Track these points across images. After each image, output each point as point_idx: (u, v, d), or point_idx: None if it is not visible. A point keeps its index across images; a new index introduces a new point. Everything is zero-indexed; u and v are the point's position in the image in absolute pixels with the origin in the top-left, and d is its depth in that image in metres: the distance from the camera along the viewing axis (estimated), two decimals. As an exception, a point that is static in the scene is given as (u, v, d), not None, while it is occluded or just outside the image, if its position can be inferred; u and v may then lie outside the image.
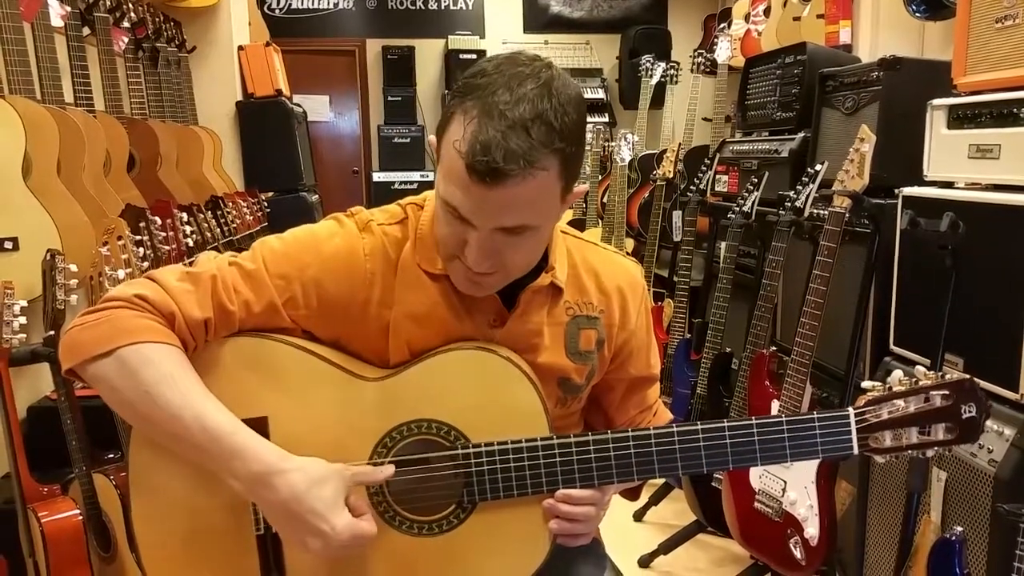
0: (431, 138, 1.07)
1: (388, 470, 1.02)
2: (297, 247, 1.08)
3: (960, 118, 1.74)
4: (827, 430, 1.02)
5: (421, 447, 1.04)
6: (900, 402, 1.03)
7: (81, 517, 1.85)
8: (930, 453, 1.06)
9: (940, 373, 1.05)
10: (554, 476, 1.02)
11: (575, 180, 1.01)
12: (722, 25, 4.88)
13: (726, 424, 1.02)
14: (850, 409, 1.03)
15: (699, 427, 1.02)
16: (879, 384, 1.05)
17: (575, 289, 1.15)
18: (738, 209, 2.47)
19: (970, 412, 1.02)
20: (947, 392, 1.02)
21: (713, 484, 2.29)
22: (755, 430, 1.02)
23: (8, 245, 2.13)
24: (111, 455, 2.00)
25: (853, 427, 1.02)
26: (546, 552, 1.04)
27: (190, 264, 1.08)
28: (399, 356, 1.08)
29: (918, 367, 1.06)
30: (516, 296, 1.10)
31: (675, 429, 1.02)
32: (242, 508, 1.04)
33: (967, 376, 1.03)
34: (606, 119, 6.35)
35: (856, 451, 1.03)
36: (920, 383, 1.04)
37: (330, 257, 1.07)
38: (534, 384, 1.05)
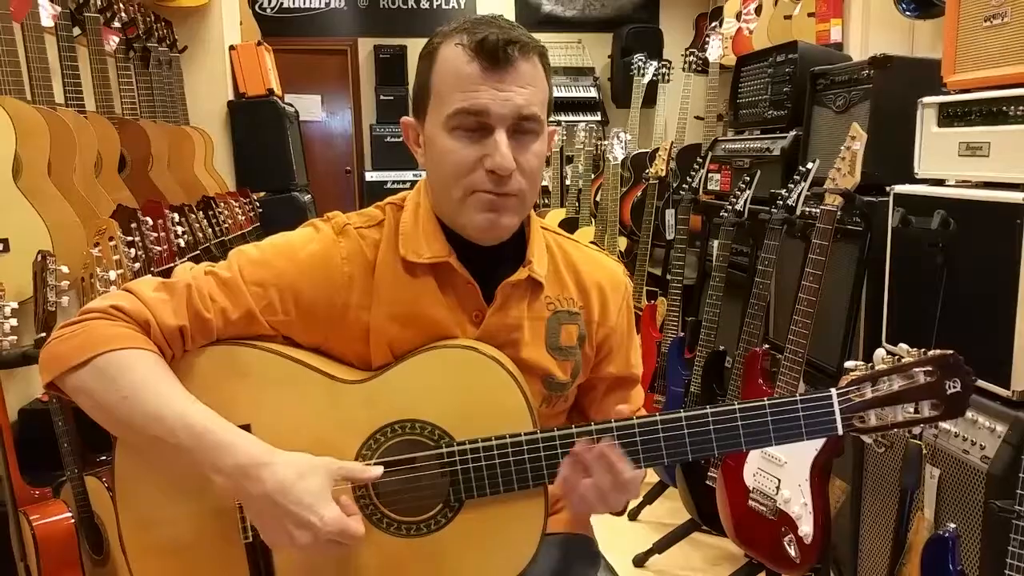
0: (406, 119, 1.11)
1: (376, 471, 1.01)
2: (273, 254, 1.08)
3: (950, 116, 1.75)
4: (810, 412, 1.01)
5: (406, 448, 1.03)
6: (883, 380, 1.01)
7: (73, 520, 1.84)
8: (916, 430, 1.05)
9: (923, 349, 1.03)
10: (539, 470, 1.02)
11: (551, 108, 1.11)
12: (714, 24, 4.89)
13: (709, 410, 1.01)
14: (832, 390, 1.02)
15: (682, 414, 1.01)
16: (862, 364, 1.04)
17: (555, 284, 1.15)
18: (730, 207, 2.47)
19: (955, 387, 1.00)
20: (930, 368, 1.00)
21: (707, 482, 2.29)
22: (738, 415, 1.01)
23: (-2, 247, 2.12)
24: (103, 457, 1.99)
25: (836, 408, 1.01)
26: (534, 549, 1.04)
27: (166, 275, 1.07)
28: (381, 359, 1.08)
29: (901, 344, 1.04)
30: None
31: (658, 417, 1.01)
32: (229, 516, 1.03)
33: (950, 351, 1.01)
34: (598, 118, 6.35)
35: (841, 431, 1.01)
36: (903, 360, 1.02)
37: (307, 262, 1.07)
38: (518, 382, 1.04)
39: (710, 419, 1.01)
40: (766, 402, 1.01)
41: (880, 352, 1.04)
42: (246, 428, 1.01)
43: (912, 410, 1.01)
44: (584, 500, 1.00)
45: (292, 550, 0.96)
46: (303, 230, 1.12)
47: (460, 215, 1.06)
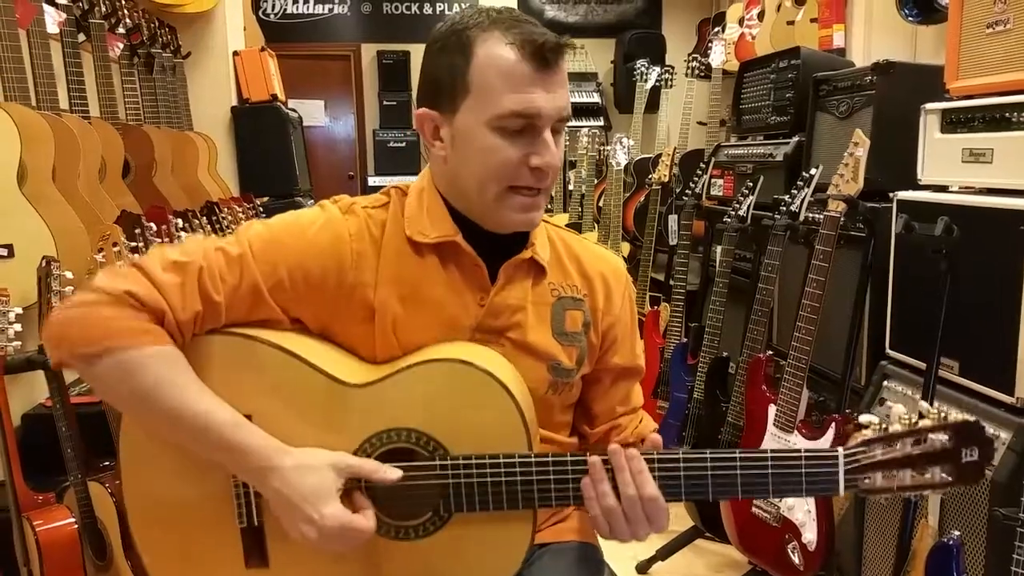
0: (425, 111, 1.09)
1: (395, 473, 1.01)
2: (282, 232, 1.08)
3: (953, 122, 1.75)
4: (813, 469, 0.98)
5: (399, 455, 1.04)
6: (896, 443, 0.96)
7: (76, 525, 1.84)
8: (926, 494, 1.00)
9: (943, 414, 0.98)
10: (530, 493, 1.02)
11: None
12: (716, 29, 4.89)
13: (708, 455, 1.00)
14: (840, 449, 0.99)
15: (680, 455, 1.00)
16: (876, 420, 0.99)
17: (558, 272, 1.17)
18: (733, 213, 2.47)
19: (971, 456, 0.95)
20: (948, 435, 0.95)
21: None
22: (738, 463, 0.99)
23: (3, 252, 2.13)
24: (106, 463, 1.99)
25: (841, 468, 0.98)
26: (518, 567, 1.05)
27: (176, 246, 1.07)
28: (384, 341, 1.09)
29: (922, 403, 0.99)
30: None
31: (656, 456, 1.01)
32: (225, 500, 1.05)
33: (972, 419, 0.97)
34: (601, 123, 6.35)
35: (842, 492, 0.98)
36: (919, 424, 0.97)
37: (315, 241, 1.07)
38: (514, 399, 1.03)
39: (708, 464, 0.99)
40: (768, 453, 0.99)
41: (899, 408, 0.99)
42: (247, 418, 1.02)
43: (922, 474, 0.96)
44: (611, 512, 1.00)
45: (311, 544, 0.98)
46: (310, 210, 1.13)
47: (494, 212, 1.08)
